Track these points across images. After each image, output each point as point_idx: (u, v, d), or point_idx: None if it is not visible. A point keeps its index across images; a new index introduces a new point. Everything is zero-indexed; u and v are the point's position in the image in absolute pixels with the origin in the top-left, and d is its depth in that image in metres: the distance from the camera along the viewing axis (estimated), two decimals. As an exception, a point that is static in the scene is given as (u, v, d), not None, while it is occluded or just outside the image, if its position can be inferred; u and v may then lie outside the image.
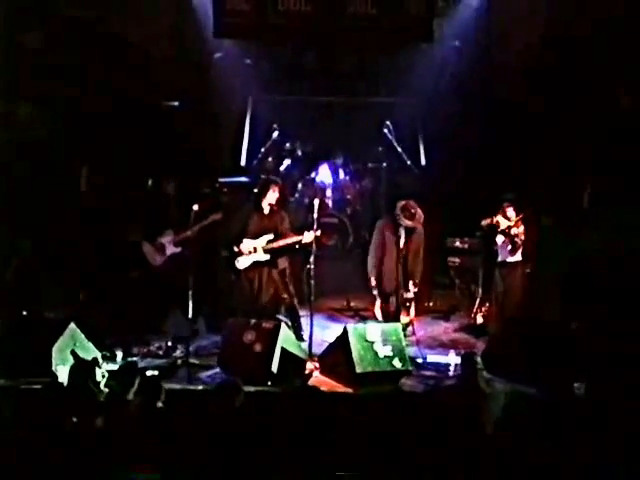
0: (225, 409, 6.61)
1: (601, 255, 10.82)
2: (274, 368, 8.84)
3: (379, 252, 10.32)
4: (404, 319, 10.15)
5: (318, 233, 9.78)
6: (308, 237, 9.82)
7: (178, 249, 10.55)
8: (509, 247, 10.34)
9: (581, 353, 8.86)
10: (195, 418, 6.72)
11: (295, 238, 10.00)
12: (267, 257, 10.12)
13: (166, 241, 10.64)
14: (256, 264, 10.14)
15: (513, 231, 10.27)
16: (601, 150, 11.61)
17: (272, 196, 10.18)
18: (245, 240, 10.11)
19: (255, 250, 10.11)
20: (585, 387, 8.22)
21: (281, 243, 10.08)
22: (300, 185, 13.72)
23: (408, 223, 10.10)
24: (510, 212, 10.37)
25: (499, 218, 10.34)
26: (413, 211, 10.10)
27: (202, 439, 6.37)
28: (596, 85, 11.78)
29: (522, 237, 10.28)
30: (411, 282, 10.21)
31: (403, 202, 10.16)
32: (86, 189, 12.39)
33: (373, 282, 10.36)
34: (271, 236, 10.10)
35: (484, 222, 10.49)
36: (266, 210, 10.20)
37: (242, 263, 10.13)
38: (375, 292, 10.33)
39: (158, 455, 6.23)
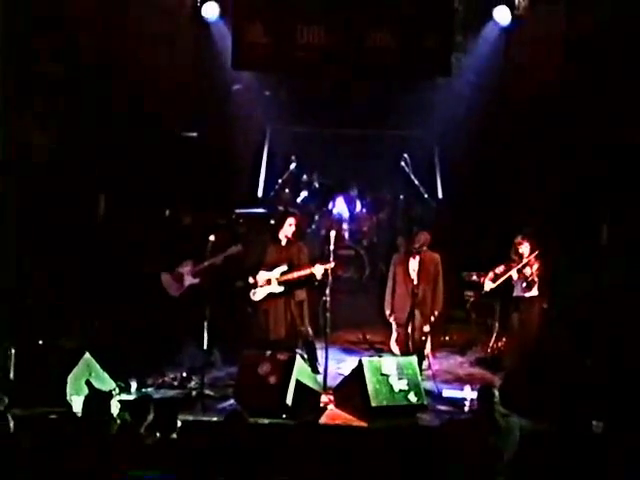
0: (229, 440, 6.59)
1: (617, 291, 10.78)
2: (289, 400, 8.81)
3: (392, 283, 10.34)
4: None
5: (329, 266, 9.75)
6: (319, 270, 9.79)
7: (197, 280, 10.49)
8: (524, 284, 10.30)
9: (598, 390, 8.80)
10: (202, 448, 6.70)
11: (305, 271, 9.96)
12: (281, 289, 10.09)
13: (185, 271, 10.59)
14: (271, 296, 10.12)
15: (527, 271, 10.23)
16: (621, 184, 11.59)
17: (289, 228, 10.17)
18: (261, 272, 10.10)
19: (269, 282, 10.09)
20: (603, 425, 8.16)
21: (295, 275, 10.05)
22: (317, 217, 13.75)
23: (414, 246, 10.13)
24: (523, 248, 10.32)
25: (513, 272, 10.32)
26: (414, 234, 10.17)
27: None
28: (614, 119, 11.77)
29: (536, 276, 10.22)
30: (435, 311, 10.20)
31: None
32: (103, 219, 12.43)
33: (387, 313, 10.36)
34: (285, 268, 10.08)
35: (492, 277, 10.51)
36: (283, 242, 10.20)
37: (257, 295, 10.12)
38: (393, 323, 10.31)
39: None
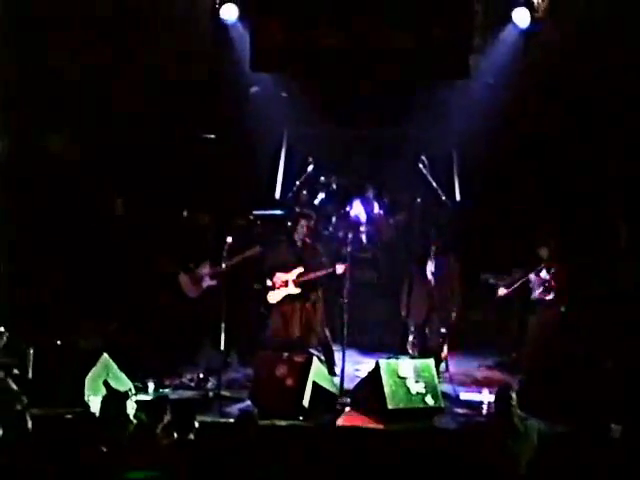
0: (239, 440, 6.59)
1: (635, 294, 10.73)
2: (305, 403, 8.81)
3: (409, 285, 10.35)
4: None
5: (345, 268, 9.75)
6: (339, 269, 9.80)
7: (214, 282, 10.45)
8: (542, 287, 10.25)
9: (617, 393, 8.76)
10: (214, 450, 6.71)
11: (322, 272, 9.98)
12: (298, 290, 10.11)
13: (204, 273, 10.55)
14: (288, 297, 10.13)
15: (544, 274, 10.20)
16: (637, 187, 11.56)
17: (301, 230, 10.18)
18: (277, 273, 10.11)
19: (286, 283, 10.10)
20: (622, 429, 8.10)
21: (312, 276, 10.07)
22: (334, 219, 13.72)
23: (432, 248, 10.14)
24: (542, 251, 10.29)
25: (531, 276, 10.28)
26: (432, 236, 10.21)
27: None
28: (630, 122, 11.74)
29: (554, 279, 10.17)
30: (453, 313, 10.19)
31: None
32: (121, 219, 12.47)
33: (404, 315, 10.35)
34: (301, 269, 10.09)
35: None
36: (299, 243, 10.21)
37: (275, 297, 10.13)
38: (410, 326, 10.31)
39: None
